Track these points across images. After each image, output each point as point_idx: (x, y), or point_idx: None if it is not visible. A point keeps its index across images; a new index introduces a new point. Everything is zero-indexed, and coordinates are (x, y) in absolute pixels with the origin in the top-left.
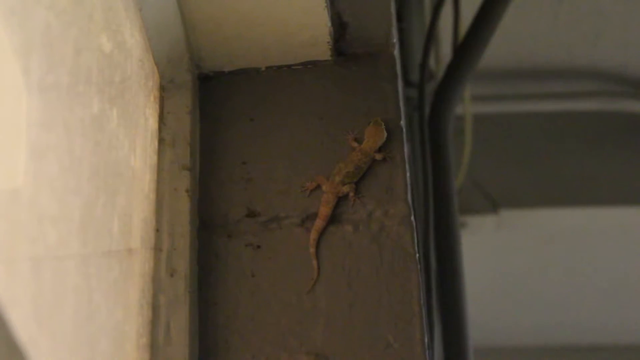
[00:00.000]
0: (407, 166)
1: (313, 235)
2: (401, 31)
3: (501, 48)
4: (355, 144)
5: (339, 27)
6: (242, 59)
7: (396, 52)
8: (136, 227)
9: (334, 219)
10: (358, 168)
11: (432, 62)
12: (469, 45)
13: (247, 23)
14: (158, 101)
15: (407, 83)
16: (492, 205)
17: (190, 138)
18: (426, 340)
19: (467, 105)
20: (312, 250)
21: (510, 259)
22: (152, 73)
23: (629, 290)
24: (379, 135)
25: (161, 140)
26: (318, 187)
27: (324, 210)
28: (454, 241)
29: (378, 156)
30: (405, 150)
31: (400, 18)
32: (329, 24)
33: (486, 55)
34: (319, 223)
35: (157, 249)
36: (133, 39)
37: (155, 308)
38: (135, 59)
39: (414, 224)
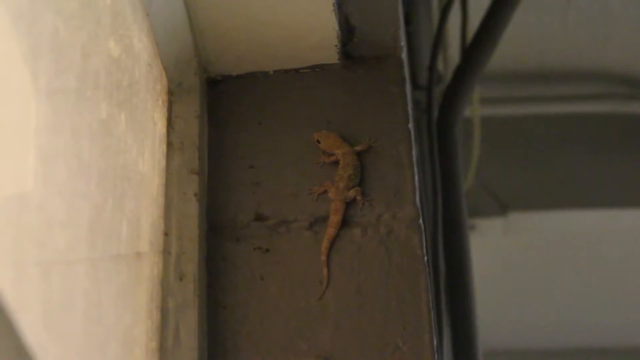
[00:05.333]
0: (415, 169)
1: (325, 243)
2: (409, 34)
3: (509, 50)
4: (332, 157)
5: (347, 30)
6: (250, 63)
7: (404, 55)
8: (145, 231)
9: (342, 222)
10: (356, 168)
11: (440, 64)
12: (477, 47)
13: (255, 27)
14: (166, 105)
15: (416, 86)
16: (501, 207)
17: (199, 142)
18: (435, 343)
19: (475, 108)
20: (323, 258)
21: (519, 261)
22: (160, 77)
23: (638, 292)
24: (332, 137)
25: (169, 144)
26: (326, 191)
27: (334, 219)
28: (463, 244)
29: (361, 147)
30: (414, 153)
31: (408, 21)
32: (337, 27)
33: (494, 58)
34: (330, 231)
35: (165, 252)
36: (141, 44)
37: (164, 312)
38: (143, 63)
39: (423, 227)
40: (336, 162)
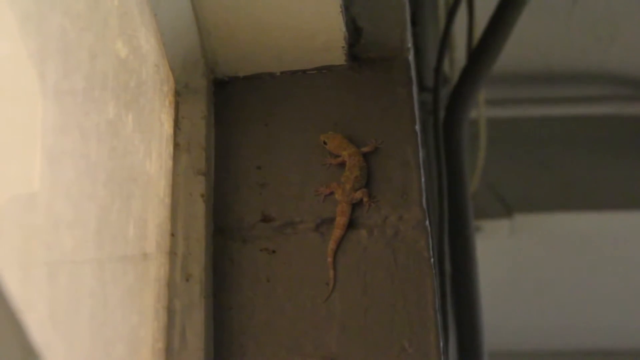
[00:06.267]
0: (421, 171)
1: (331, 245)
2: (416, 36)
3: (515, 52)
4: (338, 159)
5: (354, 32)
6: (257, 64)
7: (411, 56)
8: (151, 232)
9: (348, 223)
10: (362, 169)
11: (446, 66)
12: (484, 49)
13: (262, 28)
14: (173, 106)
15: (422, 88)
16: (507, 209)
17: (205, 143)
18: (441, 344)
19: (481, 110)
20: (329, 259)
21: (525, 263)
22: (167, 78)
23: None
24: (338, 138)
25: (176, 145)
26: (332, 192)
27: (341, 220)
28: (469, 245)
29: (368, 149)
30: (420, 154)
31: (414, 22)
32: (344, 28)
33: (500, 59)
34: (337, 233)
35: (172, 253)
36: (148, 44)
37: (170, 313)
38: (150, 64)
39: (429, 228)
40: (342, 164)
